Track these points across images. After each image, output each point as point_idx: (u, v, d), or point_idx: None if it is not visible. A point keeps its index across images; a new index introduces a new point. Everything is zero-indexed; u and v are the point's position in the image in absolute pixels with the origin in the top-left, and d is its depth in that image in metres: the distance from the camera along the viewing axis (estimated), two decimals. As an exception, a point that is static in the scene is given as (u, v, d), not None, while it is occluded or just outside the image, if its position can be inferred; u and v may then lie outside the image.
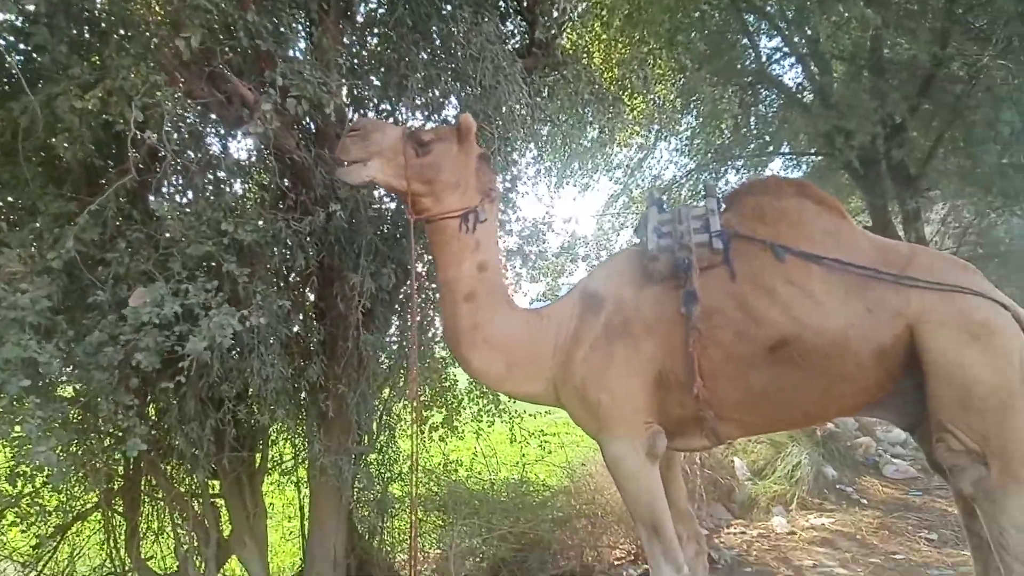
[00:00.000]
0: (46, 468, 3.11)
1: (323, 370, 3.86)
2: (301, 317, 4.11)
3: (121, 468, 4.49)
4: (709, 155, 9.95)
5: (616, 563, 4.94)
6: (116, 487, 4.52)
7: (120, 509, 4.59)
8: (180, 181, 3.57)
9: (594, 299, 2.80)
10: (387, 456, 5.03)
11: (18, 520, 4.49)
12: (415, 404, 3.66)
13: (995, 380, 2.29)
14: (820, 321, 2.46)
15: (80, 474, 4.27)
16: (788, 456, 5.83)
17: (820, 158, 9.52)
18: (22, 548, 4.67)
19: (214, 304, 2.91)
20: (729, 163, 10.03)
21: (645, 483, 2.66)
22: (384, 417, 4.82)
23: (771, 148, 9.61)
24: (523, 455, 5.80)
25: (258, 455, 4.57)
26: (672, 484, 3.05)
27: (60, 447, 3.27)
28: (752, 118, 9.85)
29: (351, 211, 3.52)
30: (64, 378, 3.15)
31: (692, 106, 9.33)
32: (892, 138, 7.30)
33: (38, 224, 2.93)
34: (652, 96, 7.50)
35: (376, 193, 3.83)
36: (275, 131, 3.36)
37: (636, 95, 6.80)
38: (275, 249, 3.40)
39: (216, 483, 4.38)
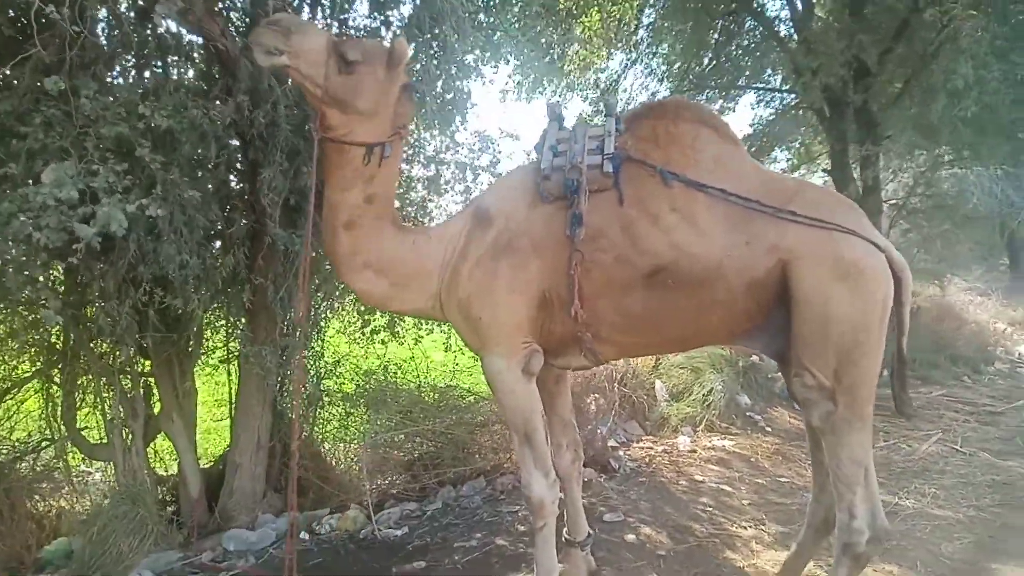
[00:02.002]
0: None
1: (245, 262, 3.97)
2: (228, 208, 4.17)
3: (60, 342, 4.68)
4: (685, 82, 9.82)
5: (530, 467, 5.24)
6: (55, 359, 4.72)
7: (57, 381, 4.80)
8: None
9: (485, 216, 2.78)
10: (314, 351, 5.20)
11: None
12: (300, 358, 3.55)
13: (854, 320, 2.35)
14: (699, 249, 2.48)
15: (14, 343, 4.47)
16: (705, 382, 6.13)
17: (792, 96, 9.47)
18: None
19: (121, 188, 2.98)
20: (705, 93, 9.92)
21: (522, 397, 2.75)
22: (312, 313, 4.96)
23: (744, 82, 9.51)
24: (455, 363, 6.05)
25: (189, 339, 4.74)
26: (560, 397, 3.21)
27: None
28: (732, 47, 9.69)
29: (271, 105, 3.53)
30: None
31: (672, 30, 9.15)
32: (859, 81, 7.29)
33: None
34: (615, 10, 7.25)
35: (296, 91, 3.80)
36: (198, 17, 3.36)
37: (590, 11, 6.61)
38: (192, 136, 3.41)
39: (148, 363, 4.58)
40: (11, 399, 4.97)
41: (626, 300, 2.59)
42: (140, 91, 3.43)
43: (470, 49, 4.81)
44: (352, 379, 5.85)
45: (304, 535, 4.27)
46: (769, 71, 9.77)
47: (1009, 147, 7.72)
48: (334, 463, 5.35)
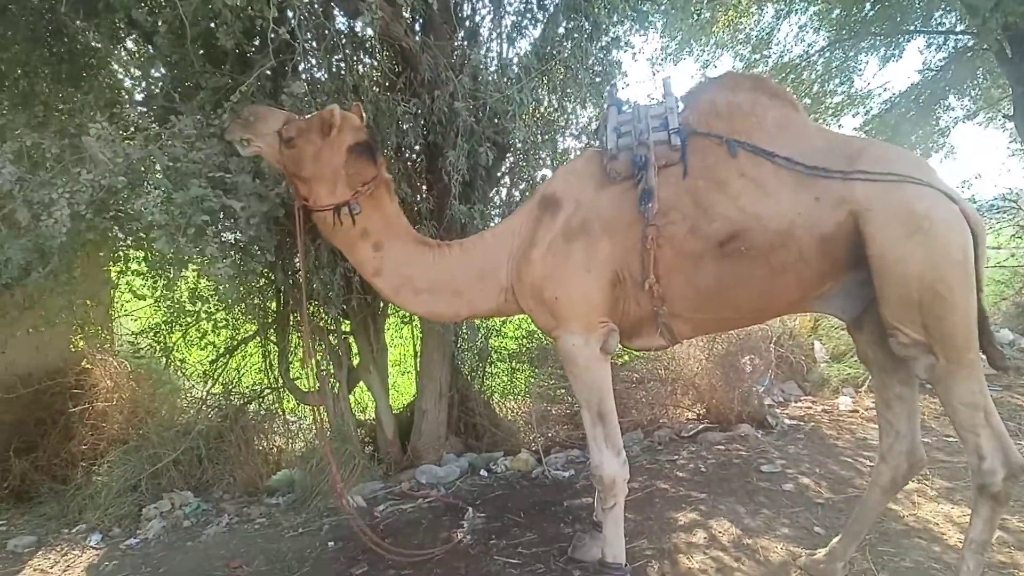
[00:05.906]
0: (219, 285, 3.92)
1: (433, 233, 4.50)
2: (412, 189, 4.74)
3: (274, 305, 5.55)
4: (845, 31, 9.27)
5: (687, 422, 5.48)
6: (270, 320, 5.61)
7: (273, 339, 5.69)
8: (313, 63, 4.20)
9: (552, 201, 2.89)
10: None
11: (198, 338, 5.76)
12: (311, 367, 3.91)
13: (933, 275, 2.30)
14: (769, 212, 2.50)
15: (242, 306, 5.37)
16: (868, 342, 5.96)
17: (967, 38, 8.66)
18: (203, 364, 5.97)
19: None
20: (867, 40, 9.32)
21: (597, 375, 2.82)
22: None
23: (911, 25, 8.84)
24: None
25: (380, 302, 5.43)
26: None
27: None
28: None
29: (450, 95, 3.99)
30: (227, 227, 3.91)
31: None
32: (1047, 16, 6.61)
33: (201, 96, 3.69)
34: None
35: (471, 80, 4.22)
36: (386, 20, 3.87)
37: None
38: (389, 125, 3.95)
39: (348, 323, 5.32)
40: (240, 354, 5.99)
41: (699, 273, 2.63)
42: (341, 90, 4.02)
43: (619, 22, 5.02)
44: (516, 339, 6.38)
45: (483, 472, 4.84)
46: (940, 11, 8.96)
47: None
48: (503, 413, 5.90)
